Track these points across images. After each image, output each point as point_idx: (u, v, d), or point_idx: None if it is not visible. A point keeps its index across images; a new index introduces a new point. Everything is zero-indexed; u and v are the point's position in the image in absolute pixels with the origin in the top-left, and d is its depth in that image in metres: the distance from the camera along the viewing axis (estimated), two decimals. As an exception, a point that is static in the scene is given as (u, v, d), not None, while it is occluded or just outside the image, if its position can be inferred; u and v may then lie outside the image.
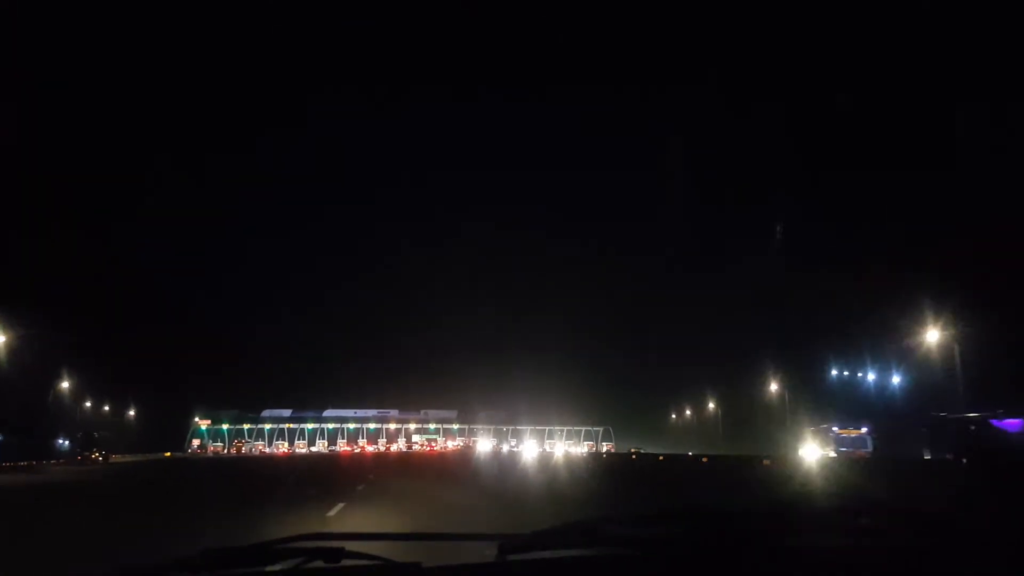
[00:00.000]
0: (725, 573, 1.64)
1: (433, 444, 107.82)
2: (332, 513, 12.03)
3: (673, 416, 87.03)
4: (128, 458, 72.52)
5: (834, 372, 48.20)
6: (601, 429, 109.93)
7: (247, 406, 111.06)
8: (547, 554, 1.70)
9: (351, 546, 1.68)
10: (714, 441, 60.10)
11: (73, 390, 72.33)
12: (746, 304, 70.61)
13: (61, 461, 51.17)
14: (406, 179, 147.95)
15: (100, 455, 57.76)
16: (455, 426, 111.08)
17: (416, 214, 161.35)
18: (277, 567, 1.65)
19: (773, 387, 47.68)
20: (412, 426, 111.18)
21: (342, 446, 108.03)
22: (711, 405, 65.45)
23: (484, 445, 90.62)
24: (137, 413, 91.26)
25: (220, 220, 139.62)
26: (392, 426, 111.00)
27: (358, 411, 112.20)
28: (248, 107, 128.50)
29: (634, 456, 49.52)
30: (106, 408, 76.72)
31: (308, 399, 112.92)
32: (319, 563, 1.64)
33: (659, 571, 1.66)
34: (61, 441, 53.01)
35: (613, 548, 1.73)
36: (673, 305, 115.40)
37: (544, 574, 1.72)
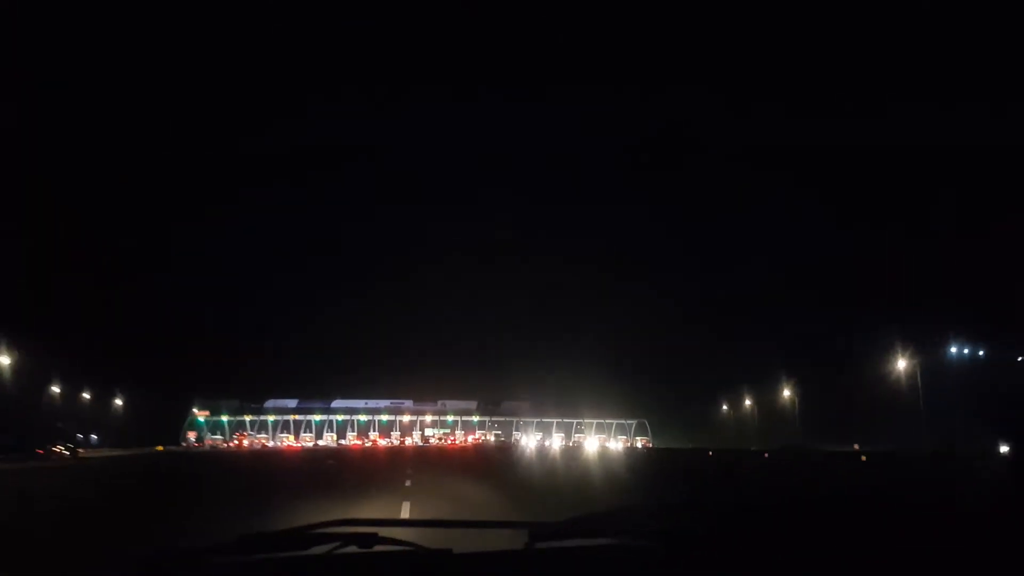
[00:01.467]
0: (744, 562, 1.67)
1: (451, 438, 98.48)
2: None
3: (725, 408, 77.02)
4: (110, 452, 63.77)
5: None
6: (635, 422, 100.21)
7: (249, 396, 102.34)
8: (576, 542, 1.74)
9: (383, 532, 1.71)
10: (793, 435, 50.25)
11: (38, 374, 63.59)
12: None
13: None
14: (426, 161, 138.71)
15: (64, 450, 48.72)
16: (475, 418, 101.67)
17: (434, 195, 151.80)
18: (311, 552, 1.67)
19: (900, 365, 37.48)
20: (428, 418, 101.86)
21: (352, 440, 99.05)
22: (786, 392, 55.56)
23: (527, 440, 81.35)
24: (126, 402, 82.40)
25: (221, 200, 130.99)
26: (406, 418, 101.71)
27: (369, 401, 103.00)
28: (245, 95, 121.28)
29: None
30: (85, 396, 67.81)
31: (315, 388, 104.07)
32: (352, 548, 1.67)
33: (682, 560, 1.69)
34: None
35: (639, 537, 1.76)
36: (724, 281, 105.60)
37: (573, 562, 1.74)
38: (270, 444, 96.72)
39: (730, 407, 75.30)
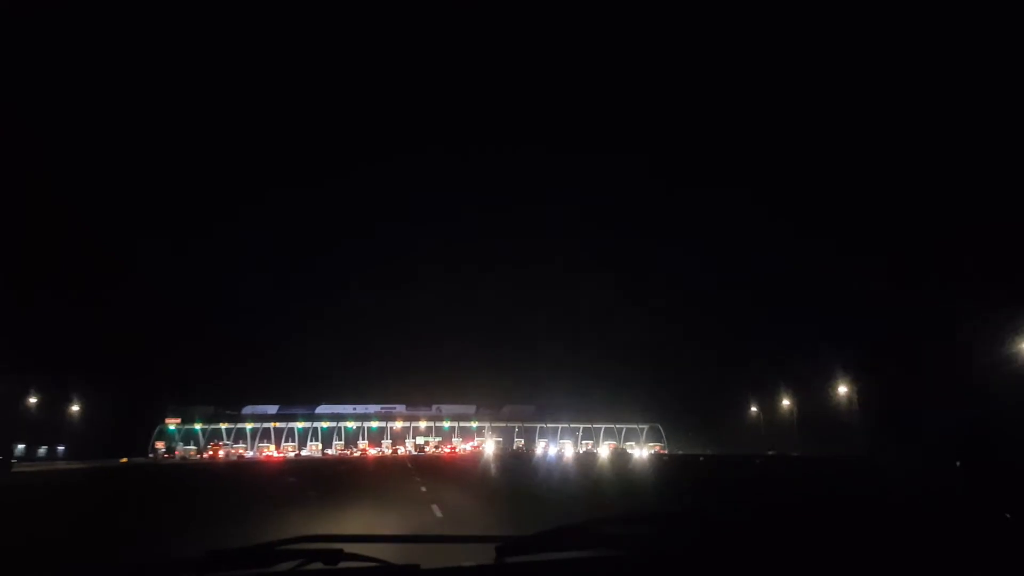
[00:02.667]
0: (710, 571, 1.69)
1: (449, 445, 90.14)
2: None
3: (754, 410, 69.45)
4: (67, 465, 55.24)
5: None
6: (646, 427, 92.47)
7: (225, 402, 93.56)
8: (545, 556, 1.74)
9: (350, 548, 1.72)
10: (854, 441, 42.68)
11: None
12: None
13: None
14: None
15: (-11, 463, 40.30)
16: (473, 424, 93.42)
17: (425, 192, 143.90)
18: (278, 568, 1.69)
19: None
20: (422, 424, 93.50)
21: (338, 449, 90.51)
22: (841, 389, 47.95)
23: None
24: (90, 409, 73.54)
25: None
26: (398, 424, 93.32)
27: (358, 407, 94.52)
28: (243, 103, 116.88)
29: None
30: (31, 400, 59.06)
31: (297, 393, 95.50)
32: (318, 565, 1.68)
33: (650, 570, 1.72)
34: None
35: (607, 549, 1.77)
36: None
37: None
38: (248, 455, 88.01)
39: (762, 409, 67.64)
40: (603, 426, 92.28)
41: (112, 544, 8.57)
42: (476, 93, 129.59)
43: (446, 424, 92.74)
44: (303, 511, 12.27)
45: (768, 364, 63.71)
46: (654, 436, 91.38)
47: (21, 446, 78.20)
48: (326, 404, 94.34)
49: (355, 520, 10.94)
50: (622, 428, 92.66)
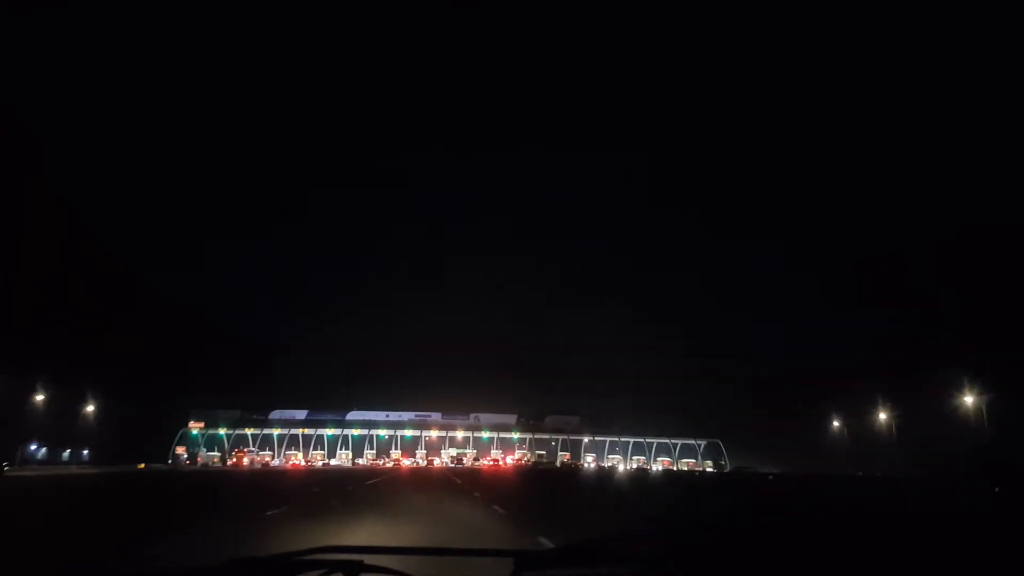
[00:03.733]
0: None
1: (488, 457, 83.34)
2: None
3: (835, 424, 61.54)
4: (78, 471, 50.10)
5: None
6: (704, 443, 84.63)
7: (252, 405, 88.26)
8: (561, 572, 1.76)
9: (370, 559, 1.75)
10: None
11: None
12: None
13: None
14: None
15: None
16: (514, 435, 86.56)
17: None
18: None
19: None
20: (459, 434, 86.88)
21: (369, 459, 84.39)
22: (968, 400, 40.14)
23: None
24: (104, 411, 68.57)
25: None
26: (433, 433, 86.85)
27: (390, 414, 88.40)
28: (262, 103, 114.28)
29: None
30: (38, 398, 54.06)
31: (328, 398, 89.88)
32: (339, 575, 1.73)
33: None
34: None
35: (622, 565, 1.80)
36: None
37: None
38: (274, 463, 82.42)
39: (846, 424, 59.71)
40: (655, 440, 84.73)
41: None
42: (522, 90, 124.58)
43: (485, 435, 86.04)
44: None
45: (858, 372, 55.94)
46: (712, 453, 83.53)
47: (43, 449, 73.97)
48: (357, 410, 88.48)
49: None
50: (676, 443, 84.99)
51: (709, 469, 77.37)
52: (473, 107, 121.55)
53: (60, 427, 68.68)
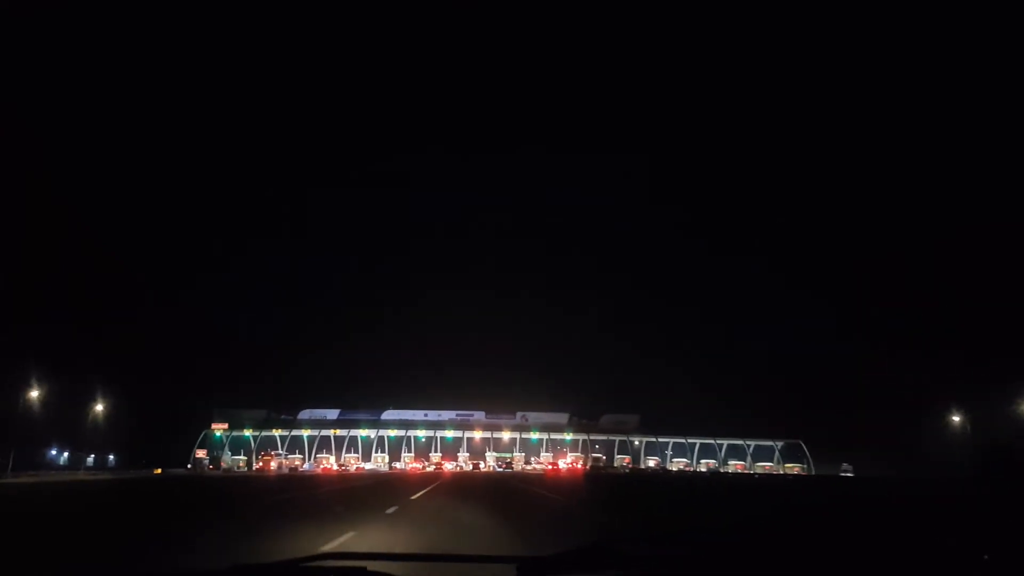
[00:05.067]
0: None
1: (539, 461, 74.97)
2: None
3: (955, 419, 51.80)
4: (86, 476, 43.79)
5: None
6: (781, 443, 75.09)
7: (279, 404, 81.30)
8: None
9: (373, 565, 1.75)
10: None
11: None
12: None
13: None
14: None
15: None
16: (567, 436, 78.00)
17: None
18: None
19: None
20: (506, 436, 78.63)
21: (408, 462, 76.68)
22: None
23: None
24: (112, 408, 61.80)
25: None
26: (477, 435, 78.77)
27: (429, 413, 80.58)
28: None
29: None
30: (33, 394, 47.33)
31: (362, 396, 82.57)
32: None
33: None
34: None
35: (626, 569, 1.80)
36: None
37: None
38: (305, 467, 75.22)
39: (968, 419, 50.00)
40: (726, 442, 75.46)
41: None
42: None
43: (534, 435, 77.66)
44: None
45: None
46: (792, 455, 73.89)
47: (65, 454, 68.46)
48: (394, 409, 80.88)
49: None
50: (750, 444, 75.59)
51: (795, 471, 68.02)
52: (473, 107, 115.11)
53: (83, 430, 62.66)
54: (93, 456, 73.72)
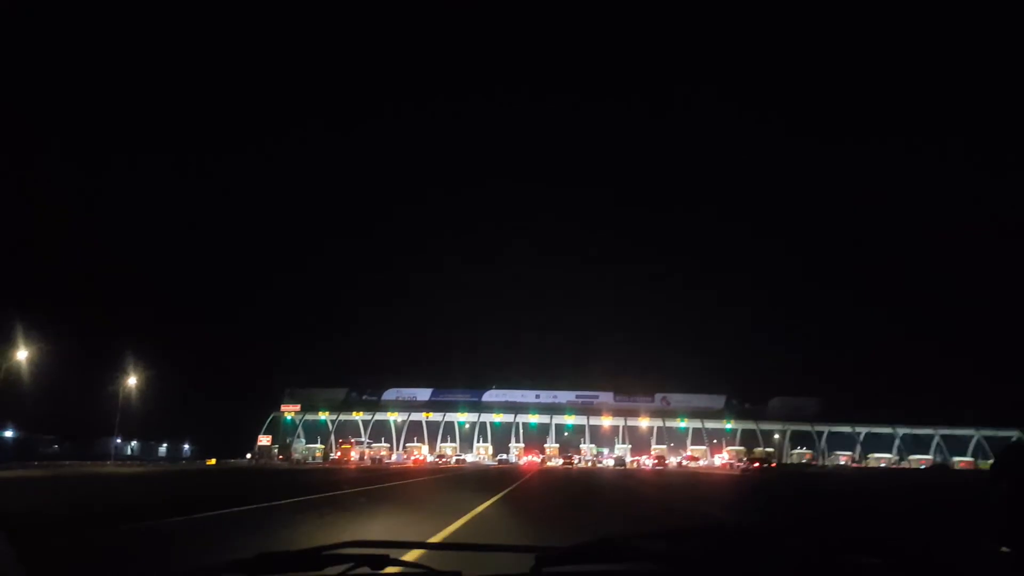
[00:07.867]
0: None
1: (687, 455, 58.24)
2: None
3: None
4: (115, 469, 37.01)
5: None
6: (1015, 434, 55.87)
7: (361, 383, 67.50)
8: (583, 567, 1.78)
9: (394, 554, 1.80)
10: None
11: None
12: None
13: None
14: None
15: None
16: (726, 424, 60.90)
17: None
18: (326, 572, 1.79)
19: None
20: (642, 423, 62.15)
21: (519, 453, 61.36)
22: None
23: None
24: (157, 388, 49.69)
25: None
26: (605, 421, 62.64)
27: (542, 393, 65.17)
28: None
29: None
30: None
31: (459, 373, 68.06)
32: (365, 569, 1.78)
33: None
34: None
35: (646, 564, 1.81)
36: None
37: None
38: (393, 457, 61.07)
39: None
40: (948, 431, 56.86)
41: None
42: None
43: (681, 423, 60.88)
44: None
45: None
46: None
47: (133, 443, 59.10)
48: (497, 388, 65.80)
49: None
50: (971, 435, 56.72)
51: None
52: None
53: (153, 419, 55.71)
54: (166, 445, 64.10)
